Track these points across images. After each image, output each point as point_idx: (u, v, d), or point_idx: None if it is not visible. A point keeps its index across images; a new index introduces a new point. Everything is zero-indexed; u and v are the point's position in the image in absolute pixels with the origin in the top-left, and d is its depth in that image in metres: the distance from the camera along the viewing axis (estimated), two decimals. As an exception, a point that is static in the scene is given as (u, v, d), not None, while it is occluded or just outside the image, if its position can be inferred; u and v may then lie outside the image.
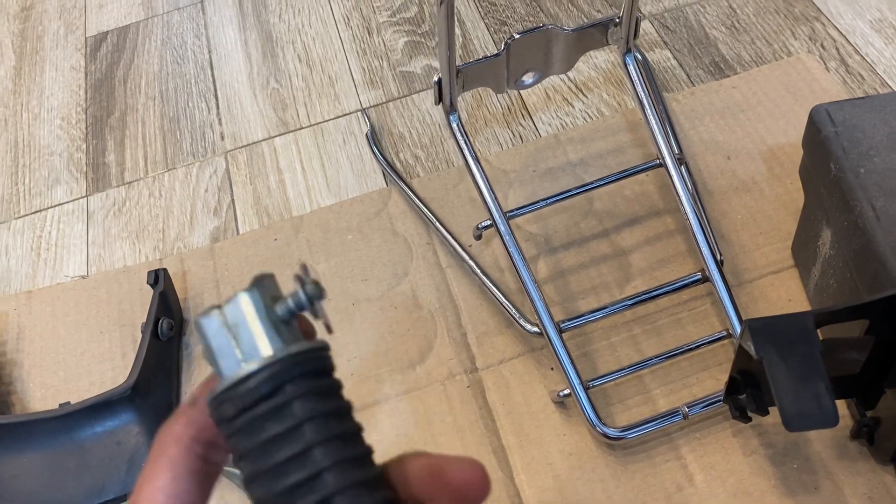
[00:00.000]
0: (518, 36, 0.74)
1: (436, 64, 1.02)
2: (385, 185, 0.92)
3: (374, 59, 1.05)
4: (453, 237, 0.83)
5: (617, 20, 0.77)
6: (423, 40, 1.06)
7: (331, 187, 0.93)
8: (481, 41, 1.03)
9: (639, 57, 0.80)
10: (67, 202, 0.98)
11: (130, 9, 1.18)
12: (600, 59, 0.96)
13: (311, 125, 0.99)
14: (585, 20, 1.03)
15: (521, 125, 0.94)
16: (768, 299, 0.78)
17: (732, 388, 0.67)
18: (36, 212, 0.97)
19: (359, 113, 0.99)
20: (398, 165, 0.92)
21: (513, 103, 0.96)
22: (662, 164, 0.77)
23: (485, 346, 0.78)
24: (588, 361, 0.76)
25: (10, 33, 1.19)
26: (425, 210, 0.86)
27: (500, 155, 0.91)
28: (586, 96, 0.95)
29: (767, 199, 0.83)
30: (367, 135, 0.96)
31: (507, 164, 0.90)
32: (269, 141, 0.99)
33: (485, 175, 0.76)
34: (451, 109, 0.78)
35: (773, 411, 0.63)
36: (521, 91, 0.97)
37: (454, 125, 0.78)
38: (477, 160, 0.76)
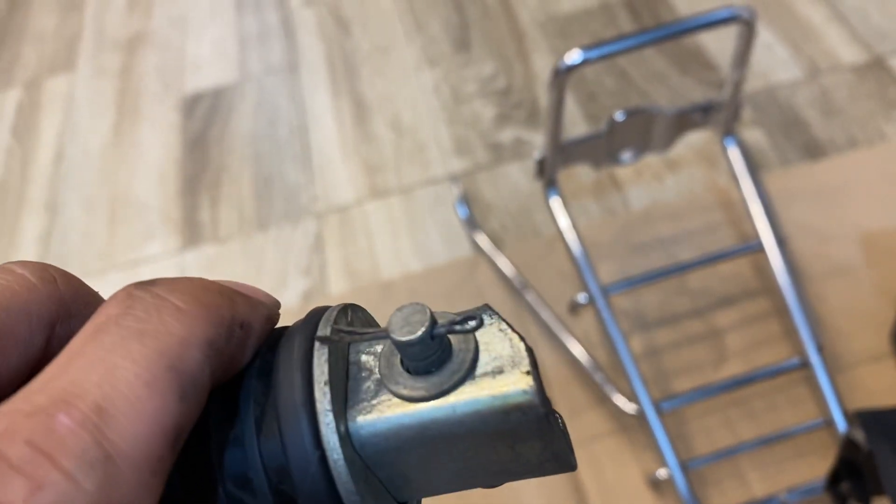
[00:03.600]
0: (621, 115, 0.75)
1: (525, 136, 1.04)
2: (472, 253, 0.93)
3: (463, 128, 1.07)
4: (547, 308, 0.83)
5: (718, 103, 0.78)
6: (511, 112, 1.08)
7: (419, 253, 0.94)
8: (571, 114, 1.05)
9: (736, 139, 0.81)
10: (162, 256, 1.00)
11: (226, 71, 1.23)
12: (692, 136, 0.97)
13: (400, 191, 1.01)
14: (675, 95, 1.04)
15: (611, 198, 0.95)
16: (866, 388, 0.76)
17: (835, 477, 0.66)
18: (132, 265, 1.00)
19: (448, 180, 1.01)
20: (486, 234, 0.93)
21: (602, 176, 0.97)
22: (762, 247, 0.77)
23: (575, 422, 0.78)
24: (682, 442, 0.75)
25: (110, 91, 1.24)
26: (515, 280, 0.87)
27: (590, 227, 0.92)
28: (677, 172, 0.95)
29: (864, 285, 0.83)
30: (456, 202, 0.98)
31: (596, 236, 0.91)
32: (359, 205, 1.01)
33: (584, 250, 0.77)
34: (550, 185, 0.79)
35: (876, 502, 0.62)
36: (610, 165, 0.98)
37: (553, 201, 0.79)
38: (577, 235, 0.77)
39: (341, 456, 0.16)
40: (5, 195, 1.12)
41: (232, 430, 0.17)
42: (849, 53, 1.05)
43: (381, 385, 0.18)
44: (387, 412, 0.17)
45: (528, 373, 0.17)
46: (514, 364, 0.17)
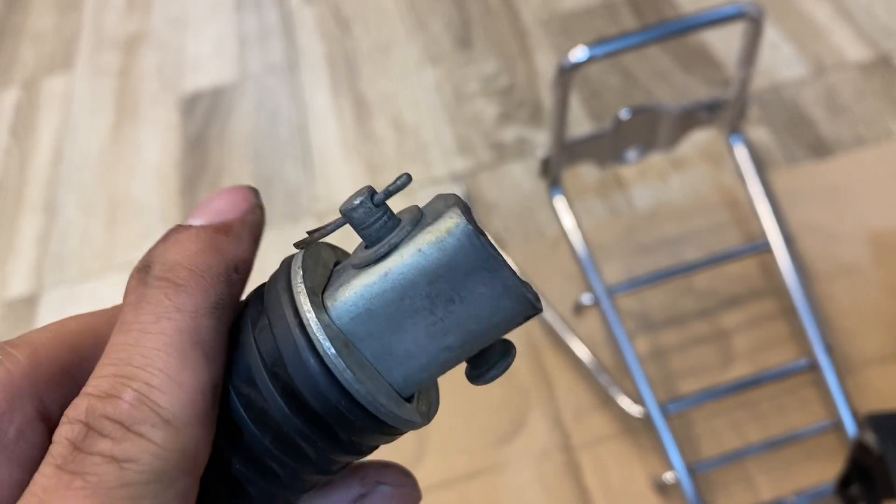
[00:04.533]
0: (626, 114, 0.74)
1: (527, 135, 1.03)
2: (475, 254, 0.92)
3: (465, 127, 1.06)
4: (551, 309, 0.82)
5: (724, 101, 0.77)
6: (514, 110, 1.07)
7: (421, 253, 0.93)
8: (575, 112, 1.03)
9: (743, 138, 0.80)
10: (161, 257, 0.99)
11: (226, 71, 1.22)
12: (697, 136, 0.96)
13: (402, 191, 1.00)
14: (679, 94, 1.03)
15: (616, 198, 0.94)
16: (876, 389, 0.75)
17: (844, 480, 0.66)
18: (131, 266, 0.99)
19: (450, 180, 1.00)
20: (489, 234, 0.92)
21: (607, 175, 0.96)
22: (769, 247, 0.76)
23: (580, 424, 0.77)
24: (689, 444, 0.74)
25: (109, 91, 1.23)
26: (519, 281, 0.86)
27: (594, 227, 0.91)
28: (682, 171, 0.94)
29: (872, 285, 0.81)
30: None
31: (601, 236, 0.90)
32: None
33: (588, 251, 0.76)
34: (554, 184, 0.78)
35: (889, 507, 0.61)
36: (614, 164, 0.97)
37: (558, 201, 0.78)
38: (581, 236, 0.76)
39: (319, 326, 0.18)
40: (3, 196, 1.11)
41: (238, 337, 0.20)
42: (855, 51, 1.04)
43: (346, 266, 0.20)
44: (350, 281, 0.19)
45: (454, 205, 0.19)
46: (446, 208, 0.19)
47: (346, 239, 0.20)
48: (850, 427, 0.69)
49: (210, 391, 0.18)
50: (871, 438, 0.60)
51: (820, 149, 0.94)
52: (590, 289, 0.76)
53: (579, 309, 0.82)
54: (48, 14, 1.39)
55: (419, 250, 0.19)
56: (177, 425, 0.17)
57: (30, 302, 0.98)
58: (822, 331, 0.73)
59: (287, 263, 0.20)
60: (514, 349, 0.21)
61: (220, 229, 0.20)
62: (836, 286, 0.82)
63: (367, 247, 0.20)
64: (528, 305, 0.20)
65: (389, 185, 0.20)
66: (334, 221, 0.20)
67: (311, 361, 0.18)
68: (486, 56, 1.15)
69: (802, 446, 0.73)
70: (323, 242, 0.21)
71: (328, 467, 0.20)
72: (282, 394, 0.19)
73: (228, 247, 0.20)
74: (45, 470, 0.16)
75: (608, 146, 0.77)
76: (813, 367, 0.73)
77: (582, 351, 0.78)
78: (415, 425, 0.20)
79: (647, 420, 0.71)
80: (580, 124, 1.03)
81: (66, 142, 1.17)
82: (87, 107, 1.21)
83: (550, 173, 0.77)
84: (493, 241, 0.20)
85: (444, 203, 0.20)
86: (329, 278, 0.20)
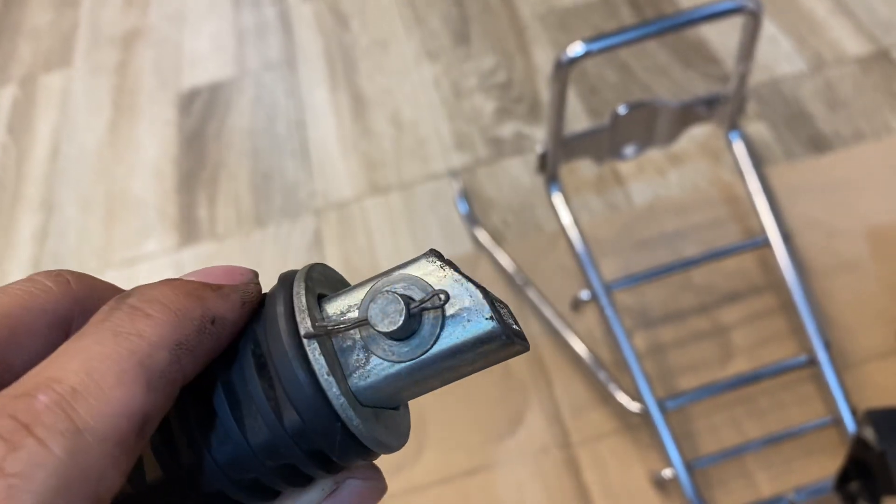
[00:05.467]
0: (624, 109, 0.74)
1: (526, 130, 1.03)
2: (473, 250, 0.92)
3: (464, 122, 1.06)
4: (548, 305, 0.82)
5: (723, 97, 0.76)
6: (512, 106, 1.06)
7: (419, 249, 0.93)
8: (573, 108, 1.03)
9: (741, 133, 0.80)
10: (159, 254, 0.99)
11: (223, 67, 1.22)
12: (695, 131, 0.96)
13: (400, 187, 1.00)
14: (678, 89, 1.03)
15: (614, 194, 0.93)
16: (875, 385, 0.75)
17: (844, 476, 0.65)
18: (129, 262, 0.99)
19: (448, 176, 1.00)
20: (487, 230, 0.92)
21: (605, 171, 0.95)
22: (767, 243, 0.76)
23: (579, 421, 0.76)
24: (688, 441, 0.74)
25: (107, 87, 1.23)
26: (517, 276, 0.86)
27: (593, 223, 0.90)
28: (681, 167, 0.94)
29: (871, 280, 0.81)
30: (456, 198, 0.96)
31: (599, 232, 0.89)
32: (358, 201, 1.00)
33: (586, 246, 0.75)
34: (552, 180, 0.78)
35: (886, 502, 0.61)
36: (612, 160, 0.97)
37: (555, 196, 0.78)
38: (579, 232, 0.76)
39: (359, 420, 0.20)
40: (0, 193, 1.11)
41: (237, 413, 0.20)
42: (854, 46, 1.03)
43: (369, 352, 0.21)
44: (382, 374, 0.20)
45: (490, 318, 0.20)
46: (478, 310, 0.20)
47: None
48: (850, 423, 0.69)
49: (139, 420, 0.16)
50: (870, 434, 0.60)
51: (819, 144, 0.94)
52: (588, 285, 0.75)
53: (577, 305, 0.82)
54: (45, 10, 1.39)
55: (455, 354, 0.20)
56: (89, 438, 0.15)
57: (27, 299, 0.98)
58: (821, 326, 0.73)
59: (299, 348, 0.20)
60: None
61: (209, 285, 0.20)
62: (836, 282, 0.81)
63: (390, 336, 0.20)
64: (521, 350, 0.21)
65: (426, 301, 0.20)
66: (355, 322, 0.21)
67: (355, 452, 0.20)
68: (484, 52, 1.14)
69: (802, 442, 0.73)
70: (311, 299, 0.22)
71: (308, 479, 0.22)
72: (308, 455, 0.20)
73: (211, 300, 0.19)
74: None
75: (606, 142, 0.77)
76: (812, 362, 0.72)
77: (580, 347, 0.78)
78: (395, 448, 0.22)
79: (645, 416, 0.71)
80: (578, 120, 1.03)
81: (63, 139, 1.16)
82: (85, 103, 1.21)
83: (548, 169, 0.77)
84: (498, 299, 0.21)
85: (469, 294, 0.20)
86: (334, 346, 0.21)
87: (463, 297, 0.20)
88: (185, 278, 0.21)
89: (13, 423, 0.15)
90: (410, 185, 1.00)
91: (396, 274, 0.21)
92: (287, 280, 0.22)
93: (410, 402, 0.23)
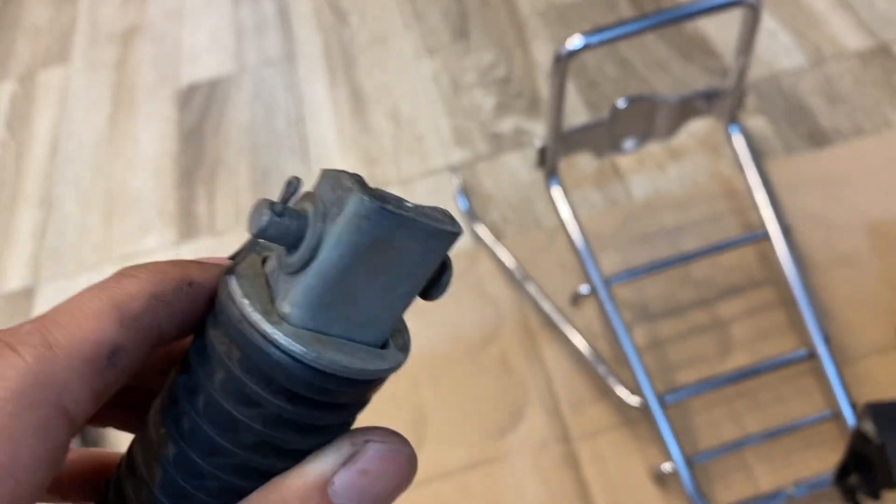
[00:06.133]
0: (623, 103, 0.74)
1: (525, 125, 1.03)
2: (473, 244, 0.92)
3: (463, 118, 1.06)
4: (548, 300, 0.82)
5: (723, 90, 0.76)
6: (511, 101, 1.06)
7: (418, 245, 0.93)
8: (572, 102, 1.03)
9: (741, 127, 0.80)
10: (158, 249, 0.99)
11: (222, 62, 1.22)
12: (695, 124, 0.96)
13: (399, 182, 1.00)
14: (677, 83, 1.02)
15: (614, 188, 0.93)
16: (874, 379, 0.75)
17: (843, 470, 0.65)
18: (128, 258, 0.99)
19: (447, 171, 1.00)
20: (486, 225, 0.92)
21: (605, 165, 0.95)
22: (767, 236, 0.76)
23: (578, 416, 0.76)
24: (688, 435, 0.74)
25: (105, 84, 1.23)
26: (516, 271, 0.86)
27: (592, 218, 0.90)
28: (681, 161, 0.94)
29: (870, 275, 0.81)
30: (456, 193, 0.96)
31: (599, 227, 0.89)
32: (357, 196, 0.99)
33: (586, 241, 0.75)
34: (552, 174, 0.78)
35: (886, 496, 0.61)
36: (612, 155, 0.97)
37: (555, 191, 0.78)
38: (579, 226, 0.76)
39: (290, 340, 0.20)
40: None
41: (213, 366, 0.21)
42: (854, 40, 1.03)
43: (279, 273, 0.21)
44: (292, 289, 0.21)
45: (351, 188, 0.20)
46: (344, 192, 0.20)
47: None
48: (849, 417, 0.69)
49: (108, 347, 0.19)
50: (870, 428, 0.60)
51: (818, 138, 0.94)
52: (587, 279, 0.75)
53: (577, 299, 0.82)
54: (44, 6, 1.38)
55: (340, 241, 0.20)
56: (58, 353, 0.18)
57: (27, 295, 0.98)
58: (821, 320, 0.73)
59: (228, 294, 0.21)
60: (450, 264, 0.23)
61: (194, 260, 0.23)
62: (835, 276, 0.81)
63: (288, 251, 0.21)
64: (450, 237, 0.21)
65: (283, 194, 0.21)
66: (249, 243, 0.22)
67: (299, 369, 0.20)
68: (483, 47, 1.14)
69: (801, 436, 0.72)
70: (245, 252, 0.23)
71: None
72: (283, 397, 0.21)
73: (192, 268, 0.22)
74: None
75: (605, 135, 0.77)
76: (811, 356, 0.72)
77: (580, 342, 0.78)
78: (391, 367, 0.22)
79: (645, 410, 0.71)
80: (578, 114, 1.02)
81: (62, 135, 1.16)
82: (84, 100, 1.21)
83: (547, 163, 0.77)
84: (393, 194, 0.21)
85: (337, 183, 0.21)
86: (268, 286, 0.22)
87: (349, 200, 0.20)
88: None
89: (1, 343, 0.18)
90: (410, 180, 1.00)
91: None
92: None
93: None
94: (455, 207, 0.95)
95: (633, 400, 0.72)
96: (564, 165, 0.96)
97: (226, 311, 0.21)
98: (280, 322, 0.21)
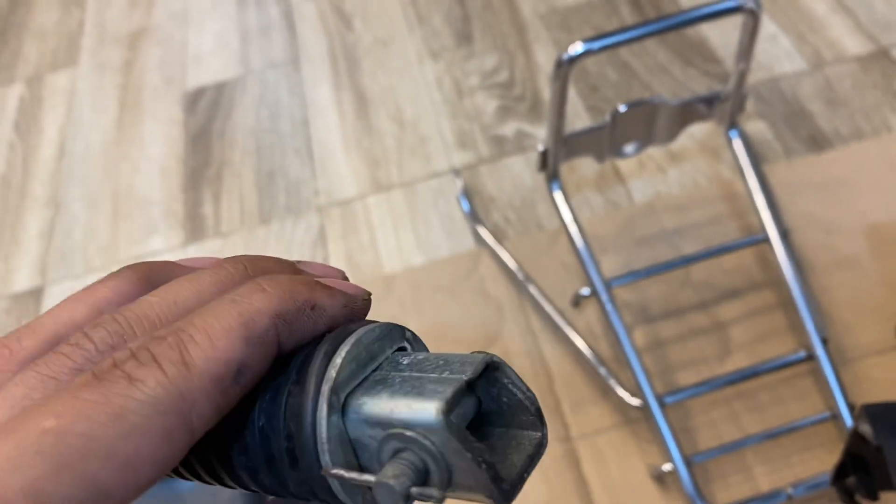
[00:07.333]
0: (624, 107, 0.75)
1: (527, 128, 1.04)
2: (475, 246, 0.93)
3: (465, 121, 1.07)
4: (549, 301, 0.83)
5: (723, 95, 0.77)
6: (513, 104, 1.07)
7: (421, 246, 0.94)
8: (574, 106, 1.04)
9: (741, 131, 0.80)
10: (164, 251, 1.00)
11: (228, 65, 1.23)
12: (695, 128, 0.97)
13: (402, 184, 1.01)
14: (678, 88, 1.03)
15: (615, 191, 0.94)
16: (873, 380, 0.76)
17: (841, 471, 0.66)
18: (135, 259, 1.00)
19: (450, 174, 1.01)
20: (489, 227, 0.93)
21: (606, 169, 0.96)
22: (766, 239, 0.77)
23: (579, 416, 0.77)
24: (687, 436, 0.74)
25: (112, 86, 1.24)
26: (518, 273, 0.87)
27: (593, 220, 0.91)
28: (681, 165, 0.95)
29: (870, 277, 0.82)
30: (458, 195, 0.97)
31: (600, 229, 0.90)
32: (361, 198, 1.01)
33: (587, 243, 0.76)
34: (553, 177, 0.79)
35: (883, 497, 0.62)
36: (613, 158, 0.98)
37: (556, 193, 0.79)
38: (580, 229, 0.77)
39: (327, 436, 0.22)
40: (7, 191, 1.12)
41: (274, 384, 0.23)
42: (853, 44, 1.04)
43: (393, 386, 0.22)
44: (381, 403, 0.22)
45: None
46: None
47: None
48: (847, 418, 0.70)
49: (235, 367, 0.21)
50: (866, 429, 0.61)
51: (818, 142, 0.95)
52: (588, 281, 0.76)
53: (578, 301, 0.83)
54: (51, 10, 1.40)
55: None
56: (192, 372, 0.20)
57: (34, 295, 0.99)
58: (819, 322, 0.74)
59: (331, 350, 0.22)
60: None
61: (324, 284, 0.24)
62: (833, 278, 0.82)
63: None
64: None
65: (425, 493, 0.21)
66: (360, 479, 0.22)
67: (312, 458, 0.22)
68: (486, 50, 1.15)
69: (800, 437, 0.73)
70: (386, 328, 0.24)
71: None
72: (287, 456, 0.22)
73: (319, 292, 0.23)
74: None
75: (606, 139, 0.77)
76: (810, 358, 0.73)
77: (580, 343, 0.79)
78: None
79: (645, 411, 0.72)
80: (579, 118, 1.03)
81: (69, 137, 1.18)
82: (91, 102, 1.22)
83: (549, 167, 0.78)
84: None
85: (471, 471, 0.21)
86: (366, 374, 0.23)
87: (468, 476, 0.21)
88: (311, 267, 0.27)
89: (147, 353, 0.20)
90: (413, 182, 1.01)
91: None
92: (338, 338, 0.23)
93: None
94: (457, 209, 0.96)
95: (634, 401, 0.73)
96: (566, 169, 0.97)
97: (313, 358, 0.22)
98: (335, 410, 0.22)
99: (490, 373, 0.22)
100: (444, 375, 0.22)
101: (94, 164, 1.13)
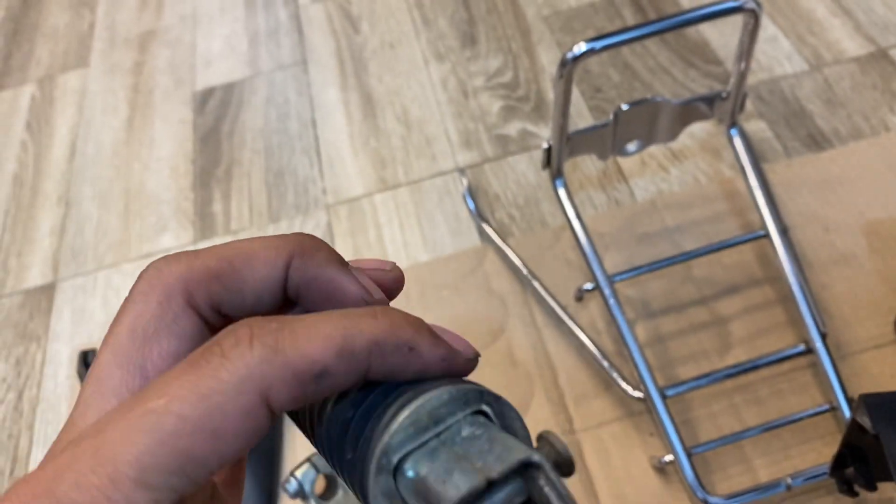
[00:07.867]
0: (626, 106, 0.76)
1: (531, 128, 1.06)
2: (480, 244, 0.94)
3: (471, 121, 1.08)
4: (553, 297, 0.85)
5: (724, 94, 0.79)
6: (518, 104, 1.09)
7: (427, 244, 0.96)
8: (577, 106, 1.06)
9: (741, 130, 0.82)
10: (175, 248, 1.02)
11: (236, 67, 1.25)
12: (696, 128, 0.98)
13: (408, 183, 1.03)
14: (680, 88, 1.05)
15: (617, 189, 0.96)
16: (871, 374, 0.77)
17: (840, 462, 0.67)
18: (145, 257, 1.02)
19: (455, 173, 1.02)
20: (493, 225, 0.95)
21: (608, 167, 0.98)
22: (766, 235, 0.78)
23: (582, 408, 0.79)
24: (688, 428, 0.76)
25: (123, 87, 1.26)
26: (523, 269, 0.88)
27: (596, 218, 0.93)
28: (682, 163, 0.96)
29: (868, 273, 0.83)
30: (464, 193, 0.99)
31: (603, 226, 0.92)
32: (368, 197, 1.02)
33: (590, 239, 0.78)
34: (557, 175, 0.80)
35: (881, 487, 0.63)
36: (616, 157, 0.99)
37: (560, 190, 0.81)
38: (583, 225, 0.78)
39: (377, 492, 0.23)
40: (20, 189, 1.14)
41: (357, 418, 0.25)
42: (853, 45, 1.06)
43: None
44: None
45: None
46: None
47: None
48: (846, 410, 0.71)
49: (318, 368, 0.23)
50: (865, 419, 0.62)
51: (817, 141, 0.96)
52: (591, 277, 0.78)
53: (581, 297, 0.84)
54: (62, 12, 1.42)
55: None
56: (278, 356, 0.22)
57: (47, 291, 1.01)
58: (818, 317, 0.75)
59: (395, 411, 0.24)
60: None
61: (431, 331, 0.26)
62: (832, 274, 0.84)
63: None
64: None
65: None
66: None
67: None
68: (490, 52, 1.17)
69: (799, 429, 0.75)
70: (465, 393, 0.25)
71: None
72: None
73: (422, 337, 0.25)
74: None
75: (609, 138, 0.79)
76: (809, 352, 0.75)
77: (583, 337, 0.81)
78: None
79: (647, 403, 0.74)
80: (582, 118, 1.05)
81: (80, 137, 1.20)
82: (101, 103, 1.24)
83: (553, 165, 0.79)
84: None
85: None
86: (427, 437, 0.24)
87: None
88: (364, 262, 0.29)
89: (249, 332, 0.22)
90: (419, 181, 1.03)
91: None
92: (409, 399, 0.25)
93: None
94: (463, 207, 0.98)
95: (636, 393, 0.75)
96: (569, 167, 0.99)
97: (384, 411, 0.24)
98: (387, 474, 0.23)
99: (531, 471, 0.22)
100: (477, 465, 0.22)
101: (105, 164, 1.15)
